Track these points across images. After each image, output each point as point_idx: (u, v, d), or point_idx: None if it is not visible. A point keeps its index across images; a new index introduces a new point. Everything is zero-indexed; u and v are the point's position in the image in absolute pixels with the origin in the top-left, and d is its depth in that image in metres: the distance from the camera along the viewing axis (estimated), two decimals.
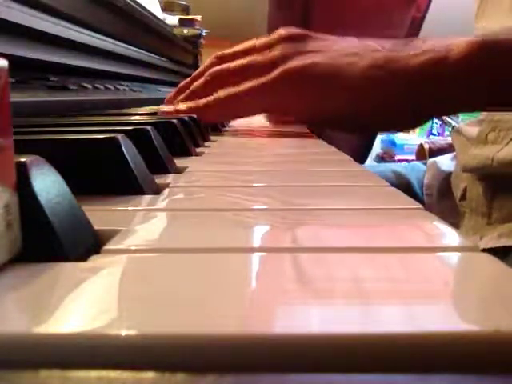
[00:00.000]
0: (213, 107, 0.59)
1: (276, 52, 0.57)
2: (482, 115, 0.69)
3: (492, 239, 0.62)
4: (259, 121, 0.85)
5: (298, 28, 0.59)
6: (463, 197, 0.72)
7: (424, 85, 0.51)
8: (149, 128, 0.35)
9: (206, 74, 0.62)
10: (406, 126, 0.61)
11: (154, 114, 0.62)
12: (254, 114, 0.62)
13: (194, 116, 0.56)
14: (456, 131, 0.77)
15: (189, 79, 0.67)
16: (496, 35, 0.51)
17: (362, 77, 0.52)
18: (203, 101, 0.59)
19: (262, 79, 0.56)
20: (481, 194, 0.67)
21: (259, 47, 0.59)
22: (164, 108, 0.64)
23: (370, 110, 0.54)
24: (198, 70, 0.67)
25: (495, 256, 0.16)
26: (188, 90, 0.64)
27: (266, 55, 0.57)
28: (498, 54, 0.49)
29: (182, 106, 0.61)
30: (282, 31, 0.59)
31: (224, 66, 0.60)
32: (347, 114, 0.55)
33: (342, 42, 0.56)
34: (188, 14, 1.82)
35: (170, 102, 0.66)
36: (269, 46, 0.58)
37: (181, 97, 0.64)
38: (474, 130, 0.69)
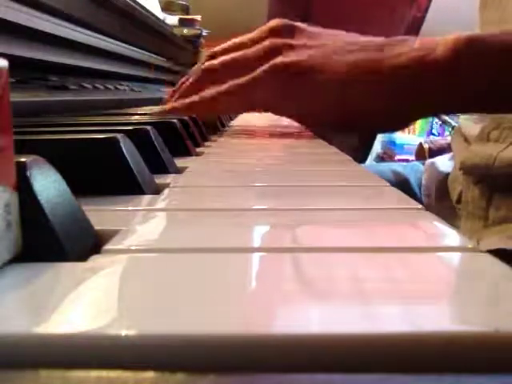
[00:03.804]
0: (200, 105, 0.58)
1: (265, 44, 0.55)
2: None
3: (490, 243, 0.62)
4: (259, 121, 0.85)
5: (292, 21, 0.58)
6: (459, 200, 0.71)
7: (410, 83, 0.50)
8: (149, 128, 0.35)
9: (198, 70, 0.61)
10: (395, 125, 0.60)
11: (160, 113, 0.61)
12: (242, 111, 0.61)
13: (194, 116, 0.55)
14: (456, 131, 0.77)
15: (186, 77, 0.67)
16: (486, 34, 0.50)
17: (348, 76, 0.51)
18: (192, 99, 0.58)
19: (249, 76, 0.54)
20: (476, 197, 0.66)
21: (250, 41, 0.58)
22: (155, 109, 0.63)
23: (358, 110, 0.53)
24: (194, 68, 0.67)
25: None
26: (181, 89, 0.63)
27: (255, 49, 0.56)
28: (485, 51, 0.48)
29: (170, 106, 0.61)
30: (271, 23, 0.57)
31: (214, 61, 0.59)
32: (336, 114, 0.54)
33: (331, 38, 0.55)
34: (188, 14, 1.82)
35: (169, 100, 0.66)
36: (259, 40, 0.57)
37: (176, 95, 0.64)
38: (475, 128, 0.68)
